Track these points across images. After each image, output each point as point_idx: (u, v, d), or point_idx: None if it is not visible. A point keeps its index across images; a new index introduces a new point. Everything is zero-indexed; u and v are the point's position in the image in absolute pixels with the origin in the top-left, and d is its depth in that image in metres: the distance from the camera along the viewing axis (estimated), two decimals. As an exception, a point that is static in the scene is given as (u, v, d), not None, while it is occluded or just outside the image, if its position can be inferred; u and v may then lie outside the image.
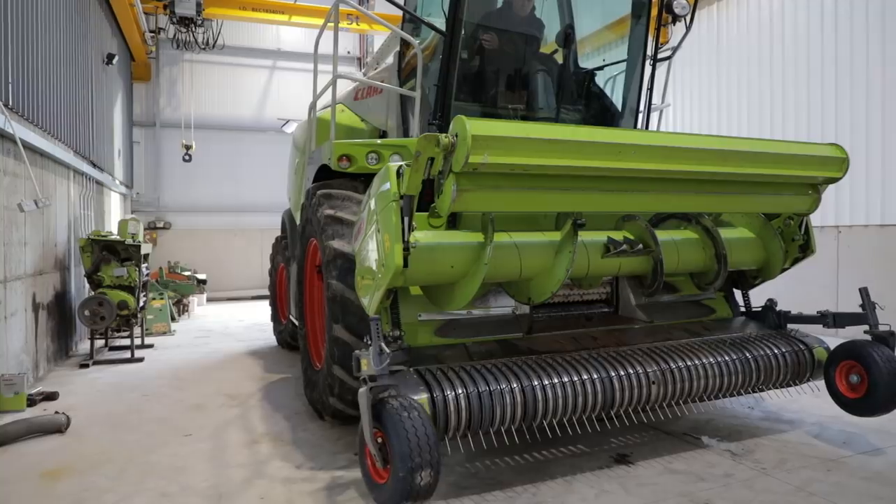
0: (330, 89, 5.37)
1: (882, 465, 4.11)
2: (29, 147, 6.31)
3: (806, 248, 4.84)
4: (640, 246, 4.37)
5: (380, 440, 3.04)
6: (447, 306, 3.85)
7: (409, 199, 3.30)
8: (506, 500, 3.60)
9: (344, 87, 6.78)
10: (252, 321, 11.46)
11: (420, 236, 3.50)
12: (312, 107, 6.18)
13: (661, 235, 4.50)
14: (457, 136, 3.09)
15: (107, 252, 7.83)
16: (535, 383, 3.71)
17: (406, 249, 3.31)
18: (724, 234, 4.73)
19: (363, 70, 17.23)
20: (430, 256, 3.60)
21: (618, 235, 4.39)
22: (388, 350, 3.13)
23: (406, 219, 3.30)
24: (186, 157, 14.98)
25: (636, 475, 3.99)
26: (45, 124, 7.11)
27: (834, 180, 4.42)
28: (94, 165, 9.93)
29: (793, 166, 4.18)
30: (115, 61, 11.29)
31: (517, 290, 4.20)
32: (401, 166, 3.39)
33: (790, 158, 4.14)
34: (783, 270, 4.95)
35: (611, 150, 3.49)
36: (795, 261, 4.91)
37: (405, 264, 3.33)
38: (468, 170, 3.14)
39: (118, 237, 8.17)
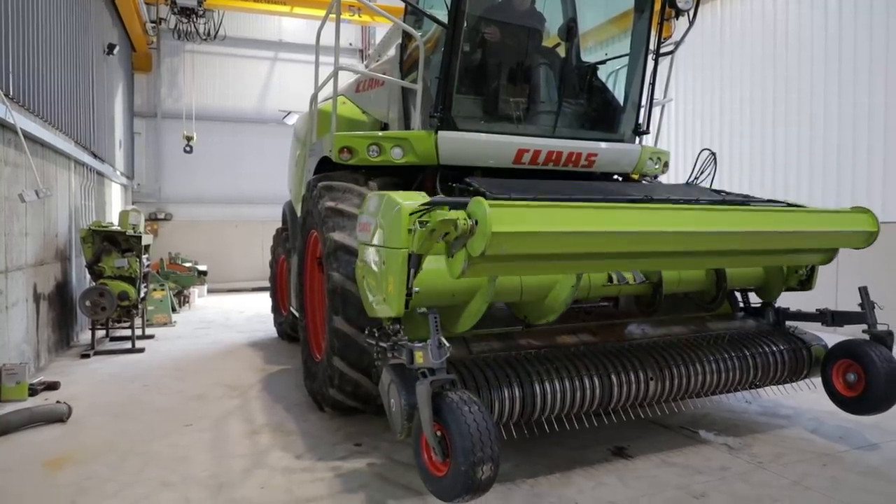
0: (331, 81, 5.36)
1: (877, 460, 4.13)
2: (30, 137, 6.31)
3: (806, 284, 4.93)
4: (644, 279, 4.45)
5: (439, 433, 3.03)
6: (449, 329, 3.87)
7: (417, 258, 3.30)
8: (504, 492, 3.62)
9: (345, 79, 6.78)
10: (253, 312, 11.48)
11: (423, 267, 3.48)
12: (313, 98, 6.18)
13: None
14: (476, 223, 3.04)
15: (108, 243, 7.84)
16: (535, 379, 3.73)
17: (409, 295, 3.35)
18: None
19: (365, 62, 17.17)
20: (432, 287, 3.64)
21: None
22: (447, 343, 3.13)
23: (412, 270, 3.30)
24: (187, 149, 14.96)
25: (633, 468, 4.02)
26: (45, 114, 7.10)
27: (857, 248, 4.46)
28: (95, 156, 9.93)
29: (818, 240, 4.25)
30: (115, 51, 11.27)
31: (516, 308, 4.27)
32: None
33: (818, 235, 4.19)
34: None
35: (637, 239, 3.49)
36: (791, 289, 4.99)
37: (406, 306, 3.39)
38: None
39: (119, 228, 8.18)
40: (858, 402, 4.35)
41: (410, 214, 3.25)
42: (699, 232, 3.69)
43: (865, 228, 4.30)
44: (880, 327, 4.44)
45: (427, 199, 3.58)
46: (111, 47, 11.06)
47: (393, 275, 3.39)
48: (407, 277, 3.32)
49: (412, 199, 3.51)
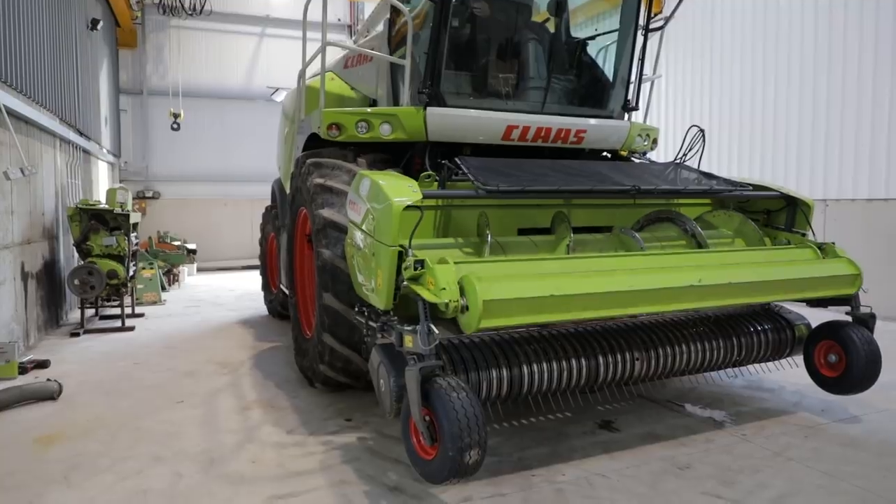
0: (319, 57, 5.32)
1: (858, 431, 4.23)
2: (13, 114, 6.23)
3: None
4: None
5: (427, 418, 3.07)
6: (439, 315, 3.91)
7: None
8: (492, 464, 3.68)
9: (334, 55, 6.71)
10: (243, 291, 11.47)
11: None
12: (301, 75, 6.12)
13: (649, 242, 4.55)
14: (467, 307, 3.12)
15: (95, 221, 7.79)
16: (522, 360, 3.78)
17: (398, 288, 3.39)
18: (711, 241, 4.77)
19: (353, 38, 16.99)
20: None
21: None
22: (436, 330, 3.14)
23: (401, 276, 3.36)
24: (175, 126, 14.81)
25: (620, 440, 4.09)
26: (29, 91, 7.00)
27: None
28: (81, 134, 9.82)
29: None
30: (99, 27, 11.08)
31: None
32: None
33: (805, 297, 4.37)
34: None
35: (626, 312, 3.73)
36: None
37: (395, 299, 3.43)
38: None
39: (107, 206, 8.12)
40: (839, 382, 4.43)
41: (405, 210, 3.38)
42: (689, 296, 3.83)
43: (847, 292, 4.41)
44: (864, 309, 4.50)
45: (418, 190, 3.60)
46: (95, 22, 10.88)
47: (382, 269, 3.44)
48: (396, 274, 3.37)
49: (403, 194, 3.52)
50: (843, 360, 4.38)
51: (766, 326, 4.64)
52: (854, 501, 3.27)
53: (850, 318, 4.50)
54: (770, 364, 4.87)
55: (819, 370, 4.56)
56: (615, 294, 3.56)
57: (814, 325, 4.70)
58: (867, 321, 4.45)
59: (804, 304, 4.82)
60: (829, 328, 4.50)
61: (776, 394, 5.05)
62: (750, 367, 4.79)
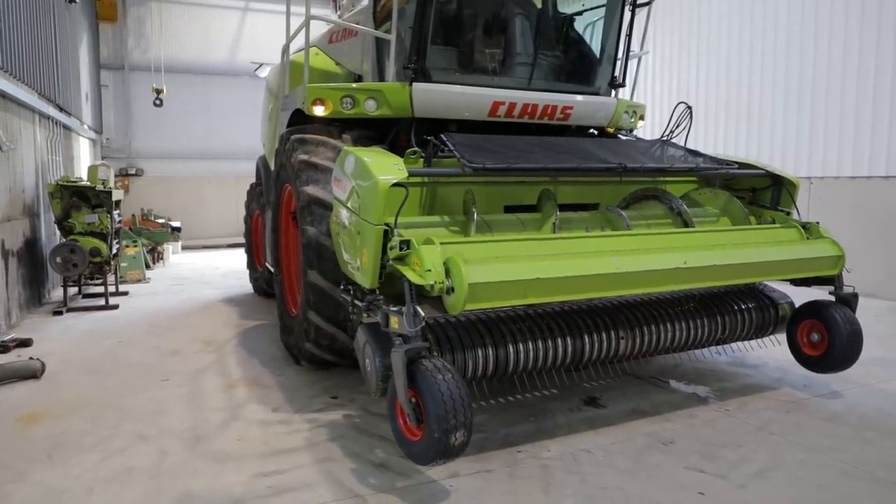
0: (303, 31, 5.22)
1: (839, 406, 4.29)
2: (-10, 88, 6.09)
3: None
4: None
5: (413, 400, 3.06)
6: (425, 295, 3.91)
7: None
8: (478, 441, 3.69)
9: (318, 29, 6.60)
10: (228, 269, 11.39)
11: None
12: (285, 50, 6.02)
13: (635, 220, 4.53)
14: (453, 290, 3.10)
15: (77, 198, 7.67)
16: (508, 340, 3.79)
17: (383, 267, 3.37)
18: (697, 219, 4.77)
19: (338, 12, 16.71)
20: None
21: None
22: (422, 313, 3.12)
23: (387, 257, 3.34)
24: (157, 102, 14.54)
25: (605, 416, 4.13)
26: (5, 65, 6.82)
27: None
28: (61, 109, 9.62)
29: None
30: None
31: None
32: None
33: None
34: None
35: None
36: None
37: (381, 277, 3.41)
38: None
39: (88, 183, 7.99)
40: (821, 361, 4.48)
41: (392, 186, 3.35)
42: (674, 278, 3.83)
43: (830, 272, 4.45)
44: (846, 289, 4.54)
45: (403, 168, 3.58)
46: (73, -6, 10.62)
47: (367, 248, 3.41)
48: (382, 253, 3.35)
49: (388, 171, 3.49)
50: (825, 339, 4.42)
51: (750, 305, 4.67)
52: (834, 474, 3.32)
53: (832, 298, 4.54)
54: (754, 341, 4.91)
55: (802, 349, 4.60)
56: (601, 276, 3.56)
57: (797, 303, 4.74)
58: (849, 301, 4.49)
59: (788, 282, 4.88)
60: (812, 308, 4.54)
61: (759, 370, 5.10)
62: (734, 344, 4.83)
